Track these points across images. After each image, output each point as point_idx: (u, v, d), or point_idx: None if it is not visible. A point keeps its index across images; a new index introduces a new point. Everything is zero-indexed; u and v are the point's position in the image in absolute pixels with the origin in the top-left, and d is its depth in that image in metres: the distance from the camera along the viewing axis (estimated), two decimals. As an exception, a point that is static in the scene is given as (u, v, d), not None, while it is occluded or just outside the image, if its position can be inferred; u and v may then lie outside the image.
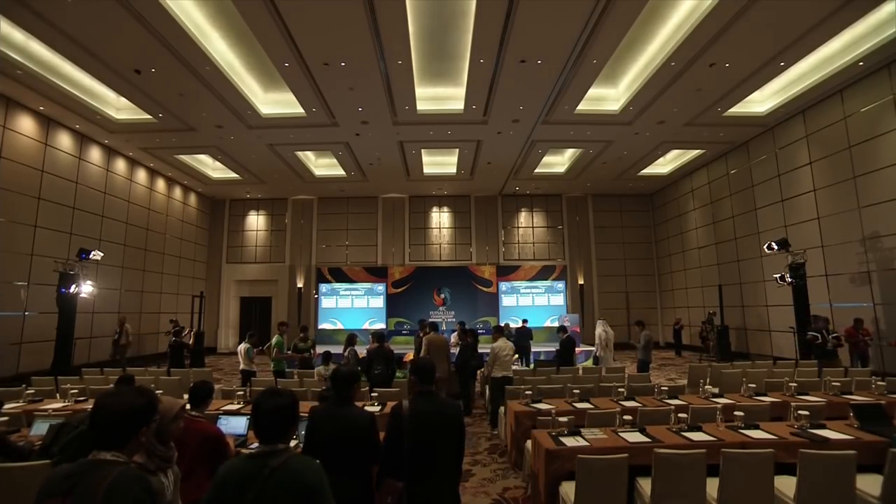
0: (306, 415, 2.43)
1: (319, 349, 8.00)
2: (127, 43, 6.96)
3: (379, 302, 15.33)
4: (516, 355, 9.27)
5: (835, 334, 7.31)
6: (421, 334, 7.95)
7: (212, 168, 13.59)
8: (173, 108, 9.16)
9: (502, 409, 5.38)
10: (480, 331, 9.66)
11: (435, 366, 2.53)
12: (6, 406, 3.97)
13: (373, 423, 2.35)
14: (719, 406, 3.99)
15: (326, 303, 15.32)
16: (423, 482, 2.19)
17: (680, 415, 3.74)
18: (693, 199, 13.88)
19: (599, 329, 9.81)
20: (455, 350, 7.37)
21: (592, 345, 13.81)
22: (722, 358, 10.65)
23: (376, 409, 4.42)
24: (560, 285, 15.60)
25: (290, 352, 7.72)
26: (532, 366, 9.30)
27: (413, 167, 13.09)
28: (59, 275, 8.28)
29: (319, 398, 3.64)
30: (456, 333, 8.45)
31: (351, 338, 6.79)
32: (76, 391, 5.11)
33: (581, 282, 15.78)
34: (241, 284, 16.03)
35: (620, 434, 3.48)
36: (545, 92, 8.72)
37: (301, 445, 2.83)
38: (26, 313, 8.72)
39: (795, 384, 5.07)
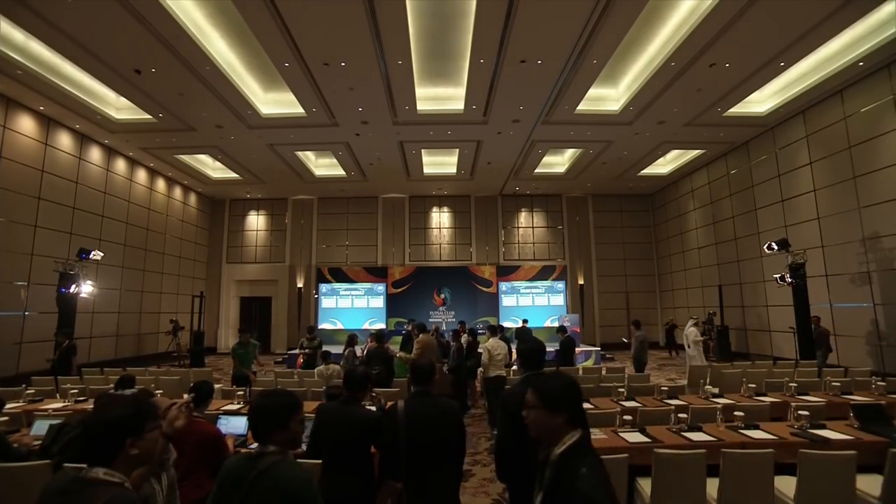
0: (311, 415, 2.45)
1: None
2: (127, 43, 6.97)
3: (379, 302, 15.32)
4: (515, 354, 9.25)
5: None
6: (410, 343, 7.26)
7: (212, 168, 13.59)
8: (173, 108, 9.16)
9: (502, 409, 5.37)
10: (481, 331, 9.62)
11: (434, 367, 2.54)
12: (6, 406, 3.96)
13: (381, 421, 2.39)
14: (719, 406, 4.00)
15: (326, 303, 15.32)
16: (420, 482, 2.19)
17: (680, 415, 3.73)
18: (693, 200, 13.88)
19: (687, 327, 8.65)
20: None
21: (593, 345, 13.86)
22: (722, 358, 10.65)
23: (373, 409, 4.42)
24: (560, 285, 15.60)
25: (299, 350, 7.84)
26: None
27: (413, 167, 13.08)
28: (59, 275, 8.28)
29: (327, 396, 3.66)
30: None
31: (351, 338, 6.85)
32: (76, 391, 5.12)
33: (581, 282, 15.77)
34: (241, 284, 16.02)
35: (620, 434, 3.48)
36: (545, 92, 8.72)
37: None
38: (26, 313, 8.72)
39: (795, 384, 5.07)
